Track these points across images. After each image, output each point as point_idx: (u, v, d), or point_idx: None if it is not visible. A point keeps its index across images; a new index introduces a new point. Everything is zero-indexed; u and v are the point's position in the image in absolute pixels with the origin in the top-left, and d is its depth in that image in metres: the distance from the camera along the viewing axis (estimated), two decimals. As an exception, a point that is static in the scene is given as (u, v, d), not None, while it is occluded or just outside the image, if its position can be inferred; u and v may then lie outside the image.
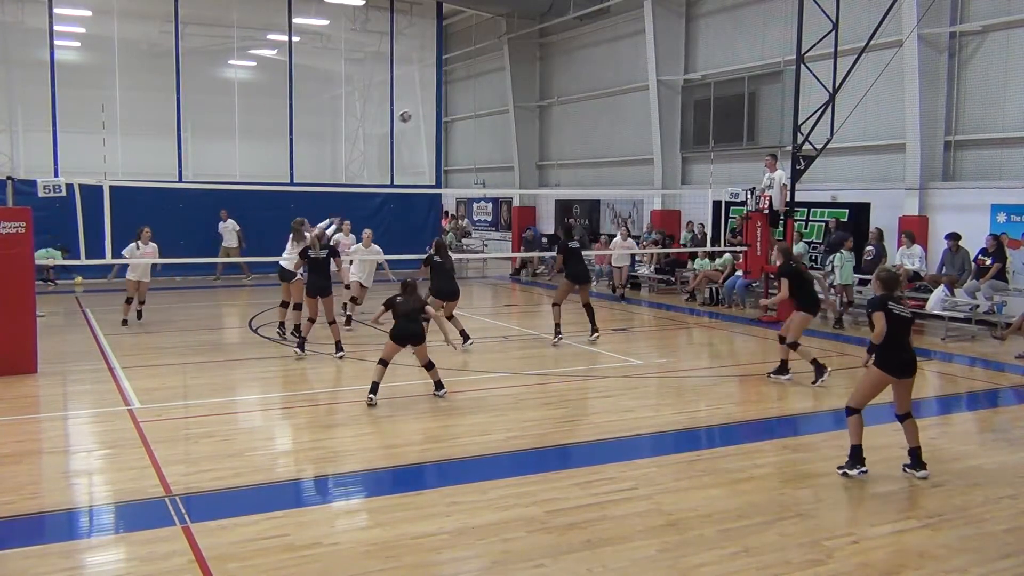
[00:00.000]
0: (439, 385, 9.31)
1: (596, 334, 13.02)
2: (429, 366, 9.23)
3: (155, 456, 7.22)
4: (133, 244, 14.14)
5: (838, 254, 15.11)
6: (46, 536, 5.75)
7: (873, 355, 6.75)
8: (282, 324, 13.26)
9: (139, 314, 14.57)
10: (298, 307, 12.51)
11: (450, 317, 12.10)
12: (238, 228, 20.99)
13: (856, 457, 6.81)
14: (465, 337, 12.36)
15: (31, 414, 8.90)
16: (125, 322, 14.29)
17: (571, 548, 5.40)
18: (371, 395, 8.87)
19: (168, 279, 20.91)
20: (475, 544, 5.49)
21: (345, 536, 5.66)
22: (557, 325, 12.93)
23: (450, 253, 12.80)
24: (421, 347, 9.13)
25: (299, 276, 12.24)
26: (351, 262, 14.24)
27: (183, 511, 5.98)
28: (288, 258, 12.56)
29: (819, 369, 10.24)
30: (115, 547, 5.56)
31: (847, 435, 8.07)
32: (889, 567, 5.19)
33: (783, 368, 10.62)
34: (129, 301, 14.41)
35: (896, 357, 6.72)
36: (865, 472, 6.76)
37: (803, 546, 5.47)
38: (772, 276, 15.67)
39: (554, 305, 13.16)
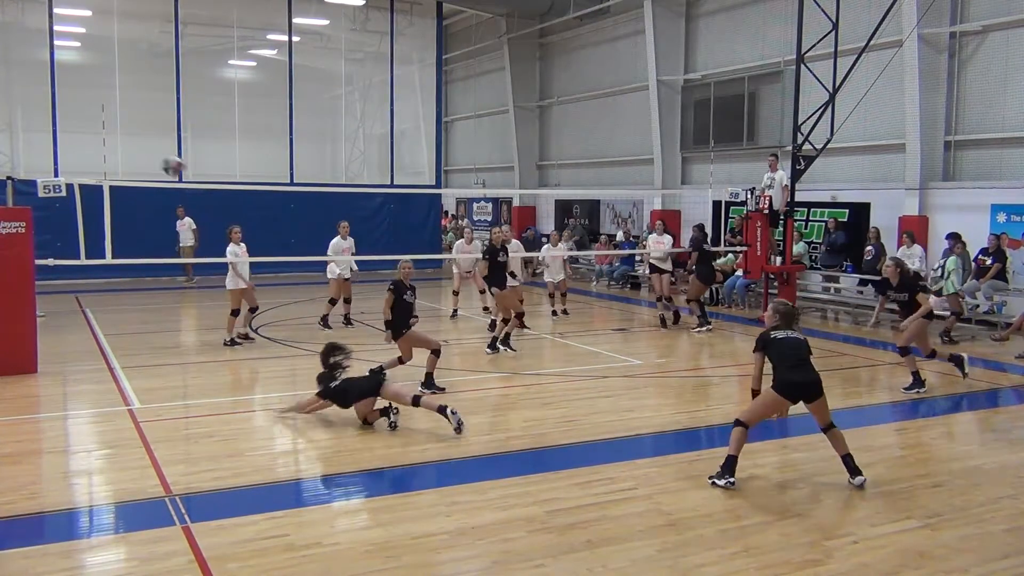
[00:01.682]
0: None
1: (706, 327, 14.24)
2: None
3: (155, 456, 7.22)
4: (233, 246, 12.85)
5: (951, 258, 13.57)
6: (46, 536, 5.75)
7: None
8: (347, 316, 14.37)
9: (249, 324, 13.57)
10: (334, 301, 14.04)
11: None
12: (195, 227, 20.43)
13: (729, 467, 6.60)
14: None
15: (31, 414, 8.90)
16: (234, 342, 12.56)
17: (571, 548, 5.40)
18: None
19: (168, 279, 20.93)
20: (475, 544, 5.49)
21: (345, 536, 5.66)
22: (701, 316, 14.40)
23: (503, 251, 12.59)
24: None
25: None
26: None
27: (183, 511, 5.98)
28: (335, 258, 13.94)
29: None
30: (115, 547, 5.56)
31: (846, 435, 8.08)
32: (889, 567, 5.19)
33: None
34: (235, 314, 12.72)
35: (789, 381, 6.70)
36: (732, 484, 6.51)
37: (803, 546, 5.47)
38: (772, 276, 15.71)
39: (689, 301, 14.75)
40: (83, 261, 12.23)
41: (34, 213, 10.75)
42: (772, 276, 15.74)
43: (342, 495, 6.62)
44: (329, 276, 14.26)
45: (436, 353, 9.70)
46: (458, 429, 7.87)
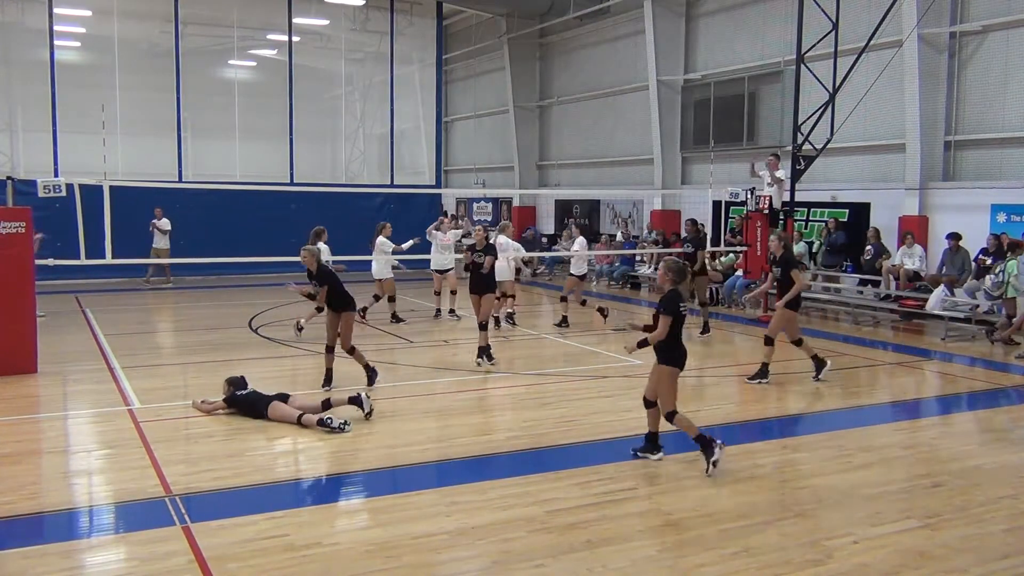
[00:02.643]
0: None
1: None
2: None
3: (155, 456, 7.21)
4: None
5: (1012, 261, 12.82)
6: (46, 536, 5.75)
7: (640, 347, 7.17)
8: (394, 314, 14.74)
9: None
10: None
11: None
12: (169, 228, 20.17)
13: (704, 444, 6.90)
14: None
15: (31, 414, 8.90)
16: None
17: (571, 548, 5.40)
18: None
19: (168, 279, 20.91)
20: (475, 544, 5.49)
21: (345, 536, 5.66)
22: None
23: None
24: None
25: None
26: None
27: (183, 511, 5.98)
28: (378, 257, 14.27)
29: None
30: (115, 547, 5.56)
31: (846, 435, 8.11)
32: (889, 567, 5.18)
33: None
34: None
35: (682, 353, 7.10)
36: (715, 463, 6.83)
37: (803, 546, 5.47)
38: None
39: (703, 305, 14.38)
40: (83, 261, 12.23)
41: (34, 213, 10.74)
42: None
43: (342, 495, 6.62)
44: (378, 276, 14.65)
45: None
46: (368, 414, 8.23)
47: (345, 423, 8.02)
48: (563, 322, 14.71)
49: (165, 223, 20.13)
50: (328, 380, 9.72)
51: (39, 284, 11.12)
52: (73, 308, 16.34)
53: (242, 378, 8.87)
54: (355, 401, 8.42)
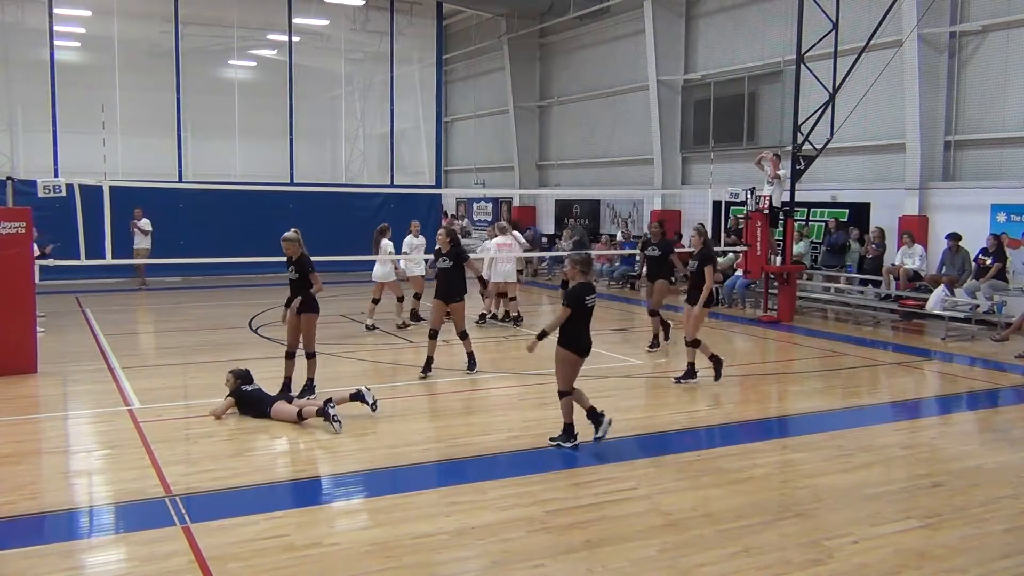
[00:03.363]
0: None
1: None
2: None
3: (155, 456, 7.22)
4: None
5: None
6: (46, 536, 5.75)
7: (541, 340, 7.50)
8: (415, 312, 14.61)
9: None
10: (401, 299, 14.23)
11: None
12: (150, 229, 19.74)
13: (569, 432, 7.52)
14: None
15: (31, 414, 8.90)
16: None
17: (571, 548, 5.40)
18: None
19: (168, 279, 20.93)
20: (475, 544, 5.49)
21: (345, 536, 5.66)
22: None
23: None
24: None
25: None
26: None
27: (183, 511, 5.98)
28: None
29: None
30: (115, 547, 5.56)
31: (846, 435, 8.11)
32: (889, 567, 5.19)
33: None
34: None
35: (585, 342, 7.52)
36: (576, 445, 7.45)
37: (803, 546, 5.47)
38: (772, 276, 15.71)
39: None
40: (83, 261, 12.23)
41: (34, 213, 10.74)
42: (772, 276, 15.75)
43: (342, 495, 6.62)
44: (408, 274, 14.73)
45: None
46: (338, 425, 7.98)
47: (335, 418, 7.99)
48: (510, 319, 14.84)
49: (146, 223, 19.78)
50: (287, 388, 9.17)
51: (39, 284, 11.11)
52: (73, 308, 16.34)
53: (247, 371, 8.84)
54: (357, 397, 8.39)
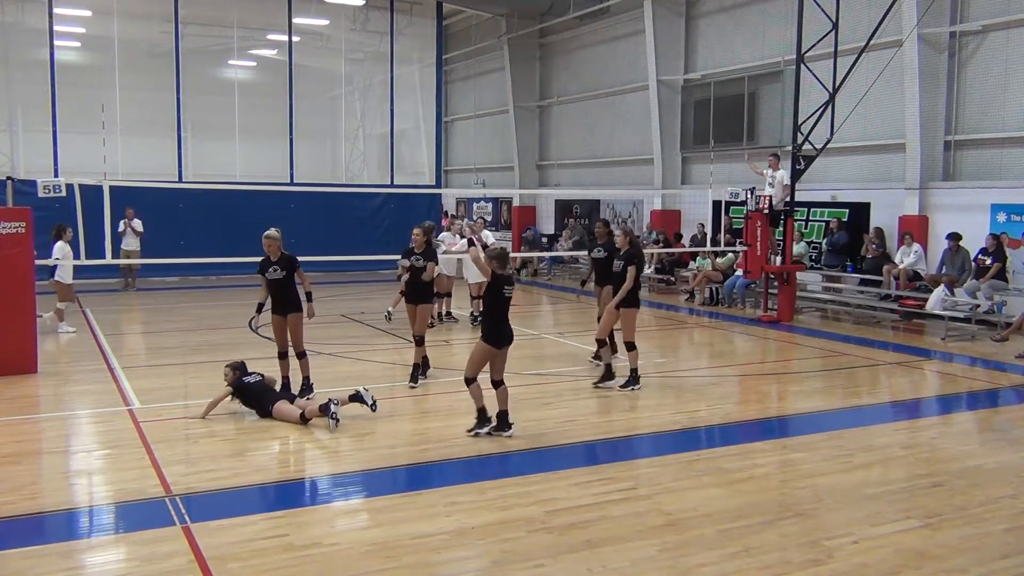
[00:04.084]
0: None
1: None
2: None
3: (155, 456, 7.22)
4: (447, 234, 14.66)
5: None
6: (46, 536, 5.75)
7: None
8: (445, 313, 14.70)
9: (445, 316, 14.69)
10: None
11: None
12: (141, 230, 19.18)
13: (482, 418, 7.85)
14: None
15: (31, 414, 8.91)
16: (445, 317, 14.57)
17: (571, 548, 5.40)
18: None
19: (168, 279, 20.92)
20: (475, 544, 5.49)
21: (345, 536, 5.66)
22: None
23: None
24: None
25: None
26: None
27: (183, 511, 5.98)
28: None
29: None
30: (115, 547, 5.56)
31: (846, 435, 8.11)
32: (889, 567, 5.19)
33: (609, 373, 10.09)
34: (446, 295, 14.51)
35: (499, 331, 7.76)
36: (490, 432, 7.77)
37: (803, 546, 5.47)
38: (772, 276, 15.71)
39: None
40: (83, 261, 12.24)
41: (34, 213, 10.74)
42: (772, 276, 15.75)
43: (342, 495, 6.62)
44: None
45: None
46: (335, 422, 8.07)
47: (335, 415, 8.03)
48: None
49: (138, 224, 19.35)
50: (286, 388, 9.19)
51: (39, 284, 11.12)
52: (73, 308, 16.32)
53: (243, 363, 8.85)
54: (356, 398, 8.38)
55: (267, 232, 9.11)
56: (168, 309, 17.12)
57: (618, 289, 9.85)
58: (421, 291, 10.18)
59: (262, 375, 8.84)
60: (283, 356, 9.30)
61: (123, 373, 10.58)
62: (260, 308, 9.39)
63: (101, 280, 18.86)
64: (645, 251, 20.39)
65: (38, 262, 11.06)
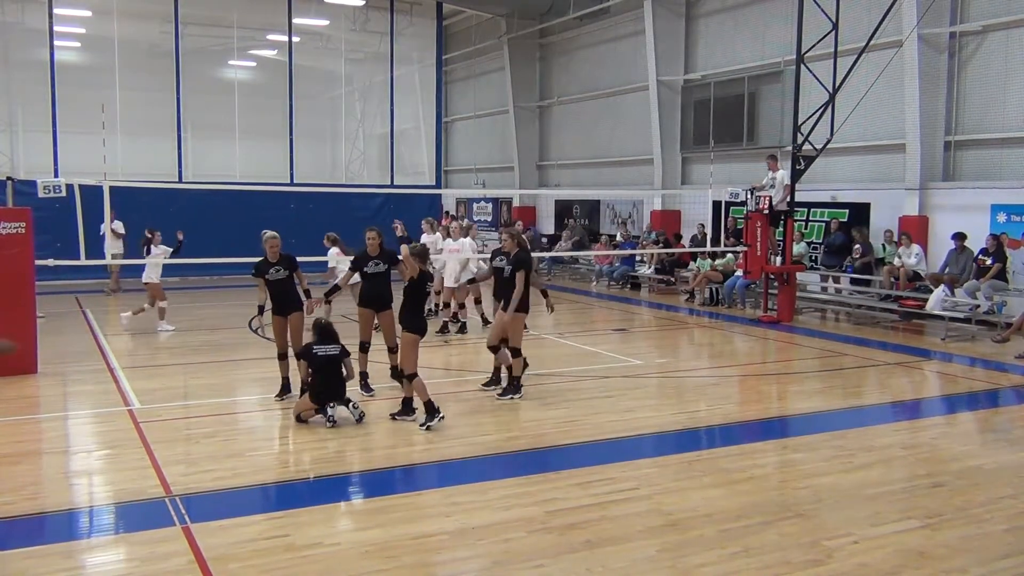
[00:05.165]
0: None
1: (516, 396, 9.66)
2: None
3: (155, 456, 7.21)
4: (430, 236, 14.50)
5: None
6: (46, 536, 5.75)
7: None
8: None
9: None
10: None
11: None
12: (123, 232, 18.14)
13: (431, 410, 8.03)
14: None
15: (31, 414, 8.90)
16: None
17: (571, 548, 5.40)
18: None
19: (167, 279, 20.88)
20: (475, 544, 5.49)
21: (345, 536, 5.66)
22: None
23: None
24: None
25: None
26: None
27: (183, 511, 5.98)
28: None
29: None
30: (115, 547, 5.56)
31: (846, 435, 8.12)
32: (889, 567, 5.19)
33: (498, 380, 9.68)
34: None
35: (422, 321, 8.35)
36: (443, 417, 8.10)
37: (803, 546, 5.47)
38: (772, 276, 15.71)
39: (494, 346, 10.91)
40: (83, 261, 12.24)
41: (34, 213, 10.74)
42: (772, 276, 15.75)
43: (342, 495, 6.62)
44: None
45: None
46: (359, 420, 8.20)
47: (332, 418, 8.10)
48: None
49: (119, 225, 18.27)
50: (286, 389, 9.16)
51: (39, 284, 11.11)
52: (73, 308, 16.34)
53: (327, 325, 8.53)
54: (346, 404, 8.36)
55: (272, 233, 9.08)
56: (168, 309, 17.10)
57: (507, 293, 9.26)
58: (386, 298, 9.28)
59: (340, 350, 8.47)
60: (283, 357, 9.27)
61: (123, 373, 10.57)
62: (261, 310, 9.39)
63: (100, 280, 18.85)
64: (645, 251, 20.56)
65: (38, 262, 11.04)
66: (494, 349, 9.63)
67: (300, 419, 8.24)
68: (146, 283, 14.25)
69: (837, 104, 15.08)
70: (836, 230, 17.03)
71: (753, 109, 19.30)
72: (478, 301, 14.45)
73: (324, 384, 8.24)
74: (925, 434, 8.49)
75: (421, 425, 8.04)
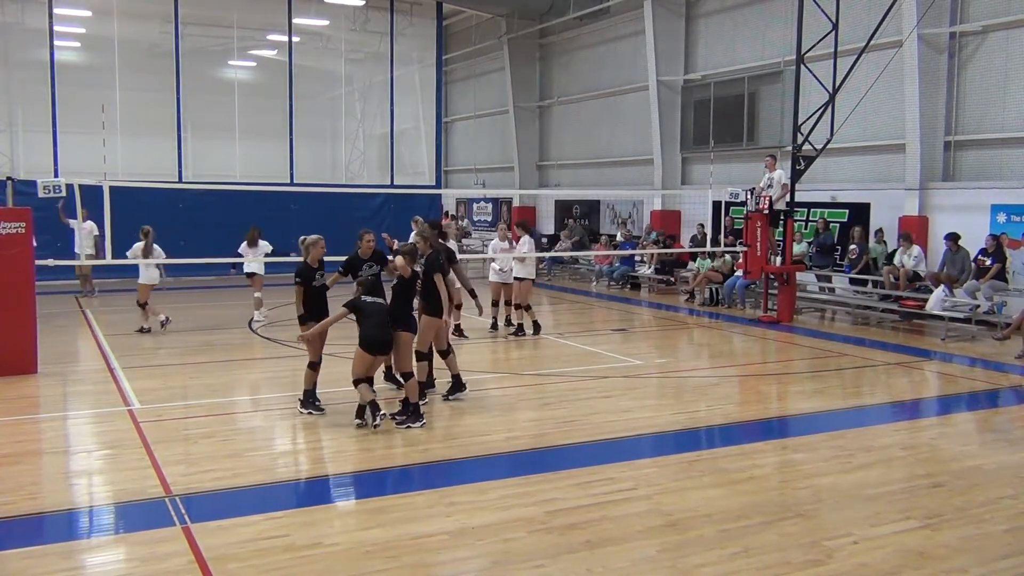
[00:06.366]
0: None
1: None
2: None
3: (155, 456, 7.21)
4: (497, 242, 14.32)
5: None
6: (46, 536, 5.75)
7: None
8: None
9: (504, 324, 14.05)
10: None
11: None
12: (96, 233, 16.39)
13: (374, 408, 8.00)
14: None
15: (31, 414, 8.90)
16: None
17: (571, 548, 5.40)
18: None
19: (167, 280, 20.88)
20: (475, 544, 5.49)
21: (345, 536, 5.66)
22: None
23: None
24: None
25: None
26: None
27: (183, 511, 5.98)
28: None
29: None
30: (115, 547, 5.56)
31: (846, 435, 8.12)
32: (889, 567, 5.19)
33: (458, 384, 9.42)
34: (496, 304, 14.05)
35: (414, 320, 8.50)
36: (384, 416, 8.06)
37: (803, 546, 5.47)
38: (772, 276, 15.71)
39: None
40: (83, 261, 12.25)
41: (34, 213, 10.74)
42: (772, 276, 15.75)
43: (342, 495, 6.62)
44: (492, 279, 14.34)
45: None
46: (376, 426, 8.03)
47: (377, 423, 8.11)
48: (519, 330, 13.61)
49: (90, 225, 16.84)
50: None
51: (39, 284, 11.11)
52: (73, 308, 16.34)
53: (375, 280, 8.59)
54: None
55: (317, 237, 8.78)
56: (168, 309, 17.10)
57: (429, 299, 8.92)
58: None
59: (383, 305, 8.38)
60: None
61: (123, 373, 10.57)
62: (305, 319, 8.70)
63: (100, 280, 18.85)
64: (645, 251, 20.54)
65: (38, 262, 11.04)
66: (443, 354, 9.35)
67: (360, 382, 8.07)
68: (249, 275, 14.89)
69: (837, 104, 15.08)
70: (825, 230, 17.03)
71: (753, 109, 19.30)
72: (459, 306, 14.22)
73: (376, 328, 8.16)
74: (925, 434, 8.49)
75: (399, 424, 8.15)
